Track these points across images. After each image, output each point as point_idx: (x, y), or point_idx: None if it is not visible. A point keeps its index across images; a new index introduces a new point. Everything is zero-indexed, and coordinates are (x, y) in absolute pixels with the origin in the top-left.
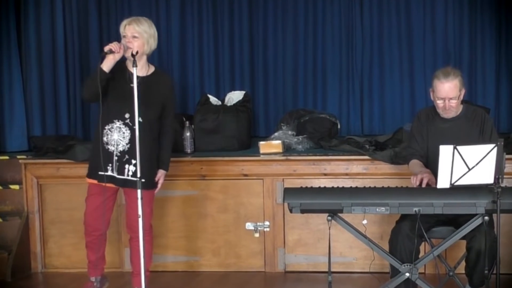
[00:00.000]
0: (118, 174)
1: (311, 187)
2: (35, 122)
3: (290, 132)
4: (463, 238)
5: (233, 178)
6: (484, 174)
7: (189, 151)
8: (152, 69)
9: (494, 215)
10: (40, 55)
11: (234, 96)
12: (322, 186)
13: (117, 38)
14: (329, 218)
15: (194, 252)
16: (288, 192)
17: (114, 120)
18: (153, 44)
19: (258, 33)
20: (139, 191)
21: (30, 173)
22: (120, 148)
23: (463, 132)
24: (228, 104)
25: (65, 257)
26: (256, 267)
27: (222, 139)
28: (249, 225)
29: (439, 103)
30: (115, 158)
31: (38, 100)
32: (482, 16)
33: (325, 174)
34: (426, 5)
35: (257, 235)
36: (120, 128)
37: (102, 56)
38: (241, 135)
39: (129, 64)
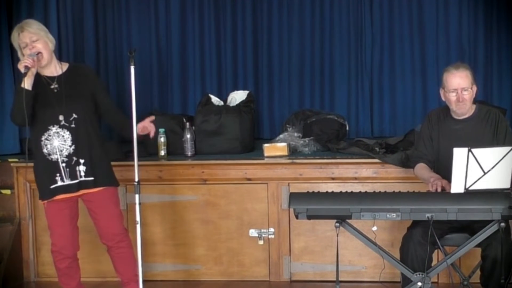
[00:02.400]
0: (71, 180)
1: (318, 192)
2: None
3: (296, 134)
4: (478, 245)
5: (236, 183)
6: (500, 178)
7: (189, 154)
8: (66, 65)
9: (511, 222)
10: None
11: (237, 96)
12: (329, 190)
13: (114, 35)
14: (337, 224)
15: (195, 260)
16: (294, 197)
17: (49, 127)
18: (52, 39)
19: (262, 29)
20: (137, 196)
21: (22, 177)
22: (65, 153)
23: (476, 133)
24: (231, 105)
25: None
26: (260, 276)
27: (224, 142)
28: (253, 232)
29: (452, 96)
30: (63, 165)
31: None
32: (498, 12)
33: (333, 178)
34: (439, 0)
35: (261, 242)
36: (58, 132)
37: (21, 78)
38: (245, 137)
39: (39, 70)
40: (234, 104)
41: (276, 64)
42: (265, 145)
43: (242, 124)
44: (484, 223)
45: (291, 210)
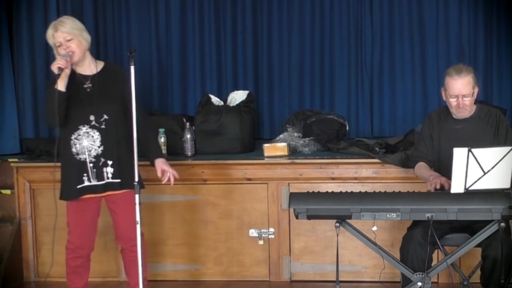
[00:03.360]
0: (98, 181)
1: (318, 192)
2: (27, 124)
3: (296, 134)
4: (478, 245)
5: (236, 183)
6: (500, 178)
7: (189, 154)
8: (101, 64)
9: (511, 222)
10: (32, 54)
11: (237, 96)
12: (329, 191)
13: (114, 35)
14: (337, 224)
15: (195, 261)
16: (294, 197)
17: (79, 127)
18: (87, 37)
19: (262, 29)
20: (137, 196)
21: (22, 177)
22: (94, 153)
23: (477, 133)
24: (231, 105)
25: (59, 265)
26: (260, 276)
27: (224, 142)
28: (253, 232)
29: (452, 101)
30: (90, 165)
31: (31, 101)
32: (498, 12)
33: (333, 178)
34: (439, 0)
35: (261, 242)
36: (88, 132)
37: (54, 78)
38: (245, 137)
39: (74, 67)
40: (234, 104)
41: (276, 64)
42: (265, 145)
43: (242, 124)
44: (484, 223)
45: (291, 210)
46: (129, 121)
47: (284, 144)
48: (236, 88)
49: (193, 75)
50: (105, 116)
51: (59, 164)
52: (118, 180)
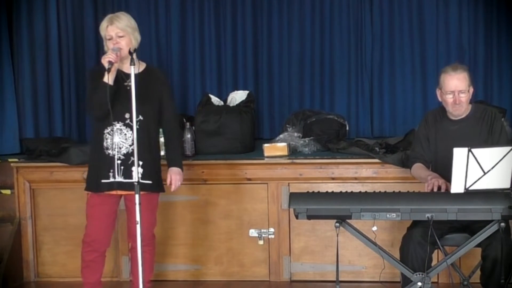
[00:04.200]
0: (125, 178)
1: (318, 192)
2: (27, 124)
3: (296, 134)
4: (478, 245)
5: (236, 183)
6: (500, 178)
7: (189, 154)
8: (143, 65)
9: (511, 222)
10: (33, 54)
11: (237, 96)
12: (329, 191)
13: None
14: (337, 224)
15: (195, 261)
16: (294, 197)
17: (114, 123)
18: (138, 37)
19: (262, 29)
20: (137, 196)
21: (22, 177)
22: (124, 151)
23: (473, 133)
24: (231, 105)
25: (59, 265)
26: (260, 276)
27: (224, 142)
28: (253, 232)
29: (449, 98)
30: (118, 162)
31: (31, 101)
32: (498, 11)
33: (333, 178)
34: (439, 0)
35: (261, 242)
36: (121, 130)
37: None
38: (245, 137)
39: (120, 64)
40: (234, 104)
41: (276, 64)
42: (265, 145)
43: (242, 124)
44: (484, 223)
45: (291, 210)
46: (159, 124)
47: (284, 144)
48: (236, 88)
49: (193, 75)
50: (140, 117)
51: (59, 164)
52: (149, 182)
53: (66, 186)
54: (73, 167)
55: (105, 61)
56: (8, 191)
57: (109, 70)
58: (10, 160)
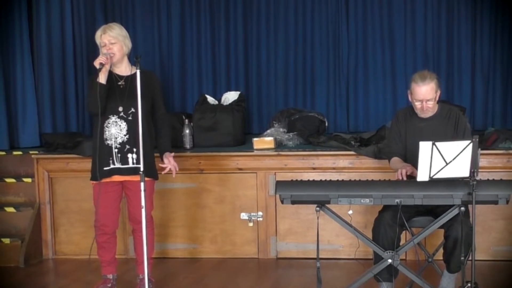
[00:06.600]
0: (122, 164)
1: (301, 180)
2: (46, 120)
3: (281, 130)
4: (441, 227)
5: (229, 172)
6: (461, 168)
7: (188, 147)
8: (134, 69)
9: (470, 206)
10: (50, 57)
11: (230, 96)
12: (311, 179)
13: None
14: (318, 208)
15: (193, 240)
16: (280, 185)
17: (110, 116)
18: (129, 44)
19: (252, 37)
20: (142, 184)
21: (41, 167)
22: (119, 140)
23: (439, 130)
24: (224, 104)
25: (74, 244)
26: (250, 254)
27: (218, 136)
28: (244, 215)
29: (417, 104)
30: (115, 150)
31: (49, 99)
32: (458, 20)
33: (313, 168)
34: (407, 11)
35: (251, 224)
36: (116, 122)
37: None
38: (236, 132)
39: (112, 67)
40: (227, 103)
41: (264, 68)
42: (255, 139)
43: (234, 121)
44: (446, 208)
45: (277, 196)
46: (152, 117)
47: (271, 138)
48: (229, 89)
49: (191, 78)
50: (133, 109)
51: (74, 156)
52: (138, 166)
53: (80, 175)
54: (86, 158)
55: (96, 63)
56: (29, 179)
57: (100, 70)
58: (31, 152)
